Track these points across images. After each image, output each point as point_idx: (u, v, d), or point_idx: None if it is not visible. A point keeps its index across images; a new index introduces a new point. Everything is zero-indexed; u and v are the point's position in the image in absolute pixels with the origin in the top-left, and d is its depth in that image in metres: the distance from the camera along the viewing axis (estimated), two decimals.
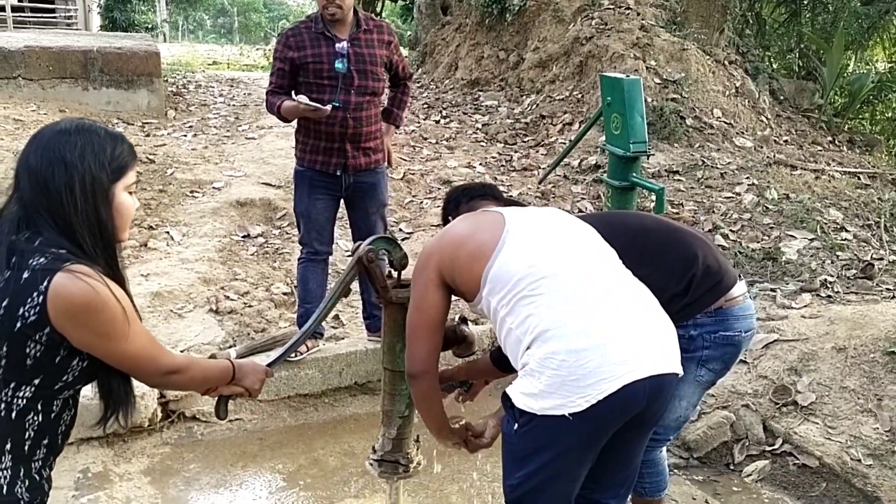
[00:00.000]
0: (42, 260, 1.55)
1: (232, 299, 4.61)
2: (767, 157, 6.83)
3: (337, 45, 3.59)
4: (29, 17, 17.59)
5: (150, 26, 24.26)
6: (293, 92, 3.60)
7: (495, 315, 2.02)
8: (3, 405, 1.59)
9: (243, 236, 5.50)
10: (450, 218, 2.54)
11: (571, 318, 1.86)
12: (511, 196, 2.75)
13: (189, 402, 3.80)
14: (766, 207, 5.74)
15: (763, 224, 5.54)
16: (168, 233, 5.45)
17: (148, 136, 7.48)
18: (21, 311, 1.54)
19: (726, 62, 8.26)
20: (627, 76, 4.95)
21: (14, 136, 6.65)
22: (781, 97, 9.22)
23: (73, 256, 1.58)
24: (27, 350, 1.57)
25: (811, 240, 5.32)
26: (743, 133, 7.37)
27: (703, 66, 7.84)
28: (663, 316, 2.02)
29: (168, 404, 3.79)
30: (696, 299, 2.39)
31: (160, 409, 3.75)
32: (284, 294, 4.79)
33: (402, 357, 2.52)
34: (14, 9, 16.89)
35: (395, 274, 2.61)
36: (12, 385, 1.59)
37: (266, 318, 4.46)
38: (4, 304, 1.55)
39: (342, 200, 3.88)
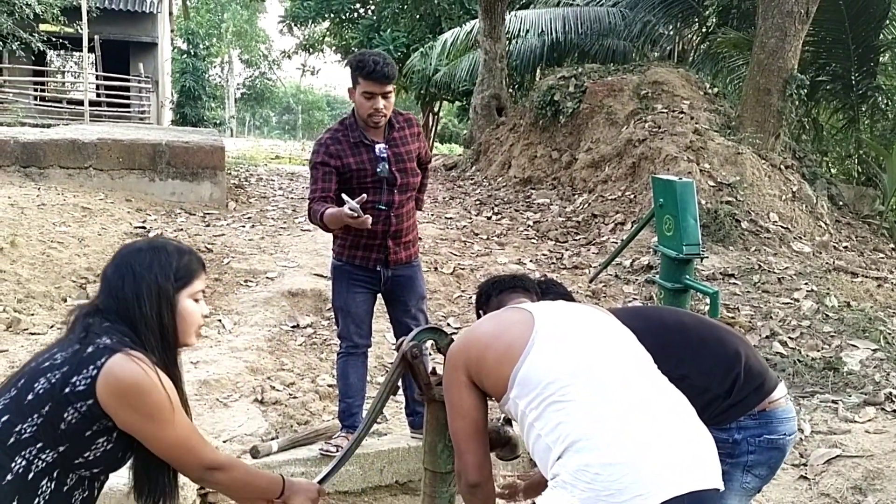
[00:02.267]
0: (107, 340, 1.74)
1: (277, 390, 4.60)
2: (826, 263, 6.67)
3: (377, 149, 3.60)
4: (105, 111, 18.61)
5: (218, 122, 25.47)
6: (342, 194, 3.47)
7: (523, 419, 1.95)
8: (24, 462, 1.68)
9: (293, 326, 5.53)
10: (481, 312, 2.51)
11: (605, 428, 1.77)
12: (543, 278, 2.68)
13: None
14: (826, 315, 5.56)
15: (823, 332, 5.36)
16: (220, 321, 5.52)
17: (208, 226, 7.70)
18: (74, 378, 1.68)
19: (782, 167, 8.21)
20: (680, 178, 4.94)
21: (81, 223, 6.92)
22: (840, 203, 9.08)
23: (135, 345, 1.76)
24: (65, 415, 1.68)
25: (874, 350, 5.10)
26: (801, 238, 7.24)
27: (759, 169, 7.80)
28: (701, 426, 1.91)
29: (207, 496, 3.74)
30: (741, 400, 2.30)
31: (199, 500, 3.70)
32: (330, 386, 4.76)
33: (443, 457, 2.46)
34: (92, 103, 17.90)
35: (439, 370, 2.58)
36: (39, 445, 1.68)
37: (310, 411, 4.43)
38: (64, 370, 1.69)
39: (380, 296, 3.87)
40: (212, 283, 6.10)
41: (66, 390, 1.67)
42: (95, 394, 1.67)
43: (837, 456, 3.96)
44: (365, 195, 3.34)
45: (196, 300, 1.92)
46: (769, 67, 8.56)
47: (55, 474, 1.70)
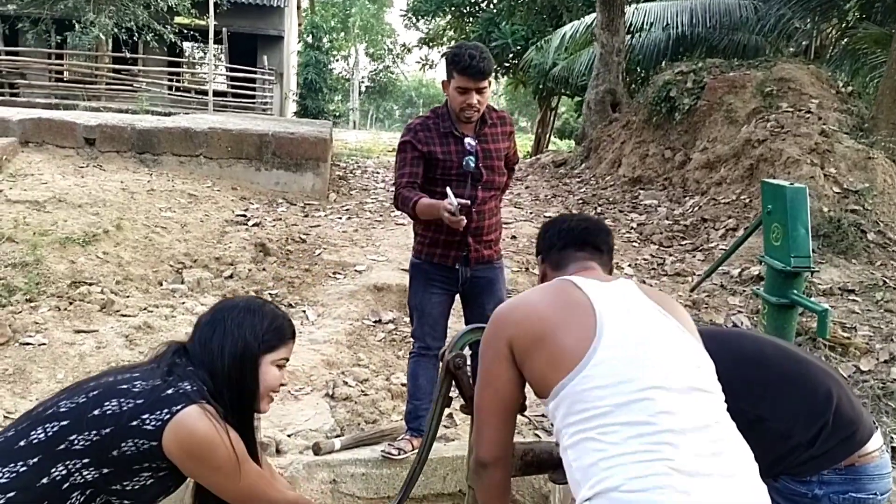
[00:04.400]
0: (188, 386, 1.78)
1: (350, 385, 4.52)
2: None
3: (466, 142, 3.49)
4: (230, 101, 19.35)
5: (338, 114, 26.09)
6: (443, 188, 3.37)
7: (558, 434, 1.73)
8: (64, 471, 1.67)
9: (375, 321, 5.46)
10: (541, 256, 2.23)
11: (645, 484, 1.50)
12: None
13: None
14: None
15: None
16: (304, 312, 5.52)
17: (306, 216, 7.77)
18: (146, 416, 1.70)
19: None
20: (791, 184, 4.51)
21: (186, 210, 7.13)
22: None
23: (212, 397, 1.81)
24: (122, 444, 1.69)
25: None
26: None
27: (892, 176, 7.10)
28: (763, 494, 1.60)
29: None
30: (826, 452, 1.99)
31: None
32: (403, 385, 4.64)
33: None
34: (217, 93, 18.65)
35: None
36: (85, 461, 1.68)
37: (379, 409, 4.33)
38: (139, 401, 1.71)
39: (458, 297, 3.72)
40: (301, 274, 6.12)
41: (134, 423, 1.69)
42: (161, 438, 1.69)
43: None
44: (468, 200, 3.31)
45: (279, 367, 1.99)
46: None
47: (88, 492, 1.70)
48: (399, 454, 3.73)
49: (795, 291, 4.24)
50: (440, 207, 3.21)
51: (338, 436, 3.98)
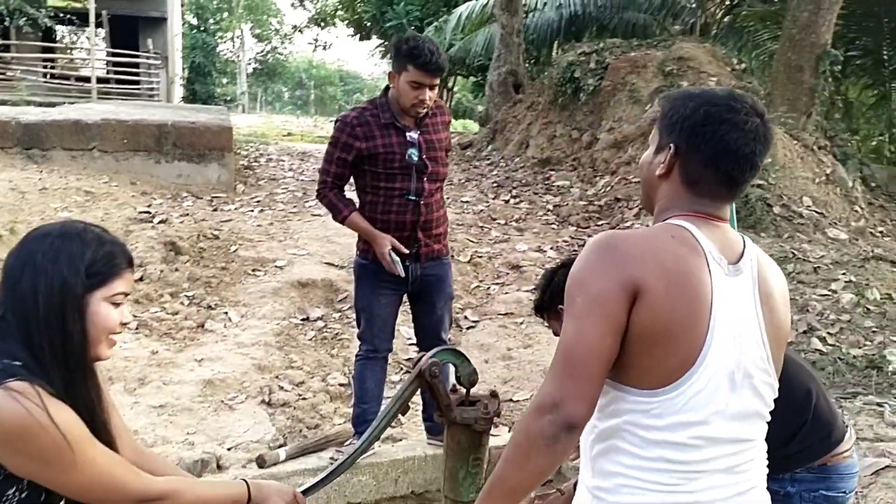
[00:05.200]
0: None
1: (286, 390, 4.35)
2: (864, 251, 6.32)
3: (408, 134, 3.37)
4: (113, 87, 18.33)
5: (228, 98, 25.20)
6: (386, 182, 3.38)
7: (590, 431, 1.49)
8: None
9: (302, 319, 5.28)
10: (674, 145, 1.48)
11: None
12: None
13: None
14: (867, 308, 5.24)
15: (864, 327, 5.04)
16: (227, 313, 5.27)
17: (215, 210, 7.44)
18: None
19: (815, 147, 7.83)
20: None
21: (84, 209, 6.68)
22: (873, 184, 8.69)
23: (22, 371, 1.40)
24: None
25: None
26: (836, 224, 6.89)
27: (791, 151, 7.44)
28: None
29: None
30: (802, 451, 2.02)
31: None
32: (341, 385, 4.51)
33: (465, 485, 2.23)
34: (100, 80, 17.63)
35: (461, 389, 2.34)
36: None
37: (320, 413, 4.18)
38: None
39: (406, 295, 3.61)
40: (218, 272, 5.85)
41: None
42: None
43: (886, 467, 3.67)
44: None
45: (116, 304, 1.53)
46: (801, 43, 8.14)
47: None
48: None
49: None
50: (380, 245, 3.33)
51: (281, 445, 3.81)
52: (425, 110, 3.37)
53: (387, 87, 3.47)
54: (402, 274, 3.35)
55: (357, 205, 3.52)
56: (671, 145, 1.48)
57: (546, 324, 2.71)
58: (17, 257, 1.50)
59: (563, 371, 1.37)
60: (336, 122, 3.51)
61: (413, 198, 3.39)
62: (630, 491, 1.41)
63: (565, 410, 1.34)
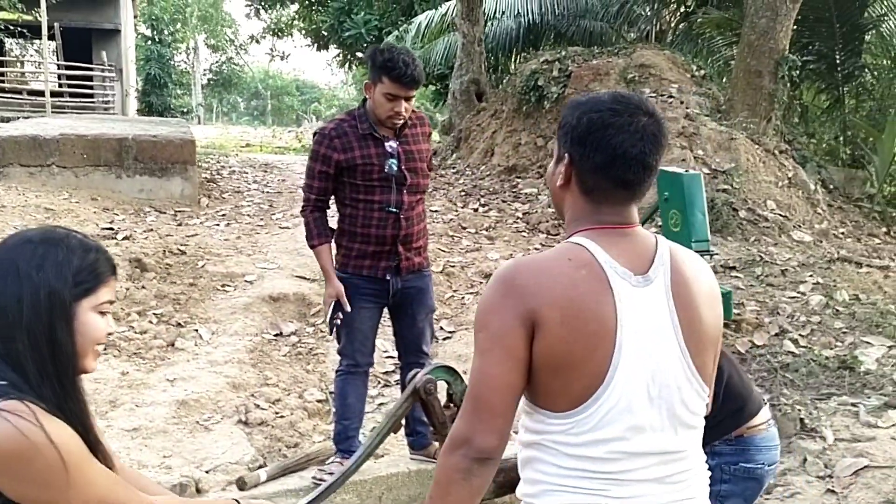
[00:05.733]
0: None
1: (262, 408, 4.26)
2: (829, 252, 6.45)
3: (387, 145, 3.34)
4: (67, 101, 17.95)
5: (185, 110, 24.83)
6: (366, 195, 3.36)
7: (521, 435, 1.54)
8: None
9: (275, 335, 5.19)
10: (569, 155, 1.49)
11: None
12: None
13: None
14: (836, 310, 5.33)
15: (834, 328, 5.12)
16: (197, 331, 5.16)
17: (180, 225, 7.30)
18: None
19: (776, 151, 7.98)
20: (687, 171, 4.67)
21: None
22: (831, 186, 8.89)
23: (11, 390, 1.33)
24: None
25: (889, 347, 4.87)
26: (800, 226, 7.02)
27: (753, 155, 7.57)
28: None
29: None
30: (717, 424, 2.06)
31: None
32: (319, 401, 4.45)
33: None
34: (53, 94, 17.23)
35: (454, 406, 2.32)
36: None
37: (299, 431, 4.11)
38: None
39: (386, 308, 3.57)
40: (186, 289, 5.72)
41: None
42: None
43: (865, 467, 3.72)
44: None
45: (102, 313, 1.47)
46: (760, 49, 8.30)
47: None
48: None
49: None
50: (329, 290, 3.40)
51: (260, 466, 3.73)
52: (402, 122, 3.34)
53: (364, 99, 3.43)
54: (336, 323, 3.42)
55: (336, 228, 3.48)
56: (566, 155, 1.50)
57: None
58: None
59: (471, 407, 1.44)
60: (314, 134, 3.48)
61: (393, 210, 3.35)
62: (555, 494, 1.46)
63: (476, 444, 1.41)
